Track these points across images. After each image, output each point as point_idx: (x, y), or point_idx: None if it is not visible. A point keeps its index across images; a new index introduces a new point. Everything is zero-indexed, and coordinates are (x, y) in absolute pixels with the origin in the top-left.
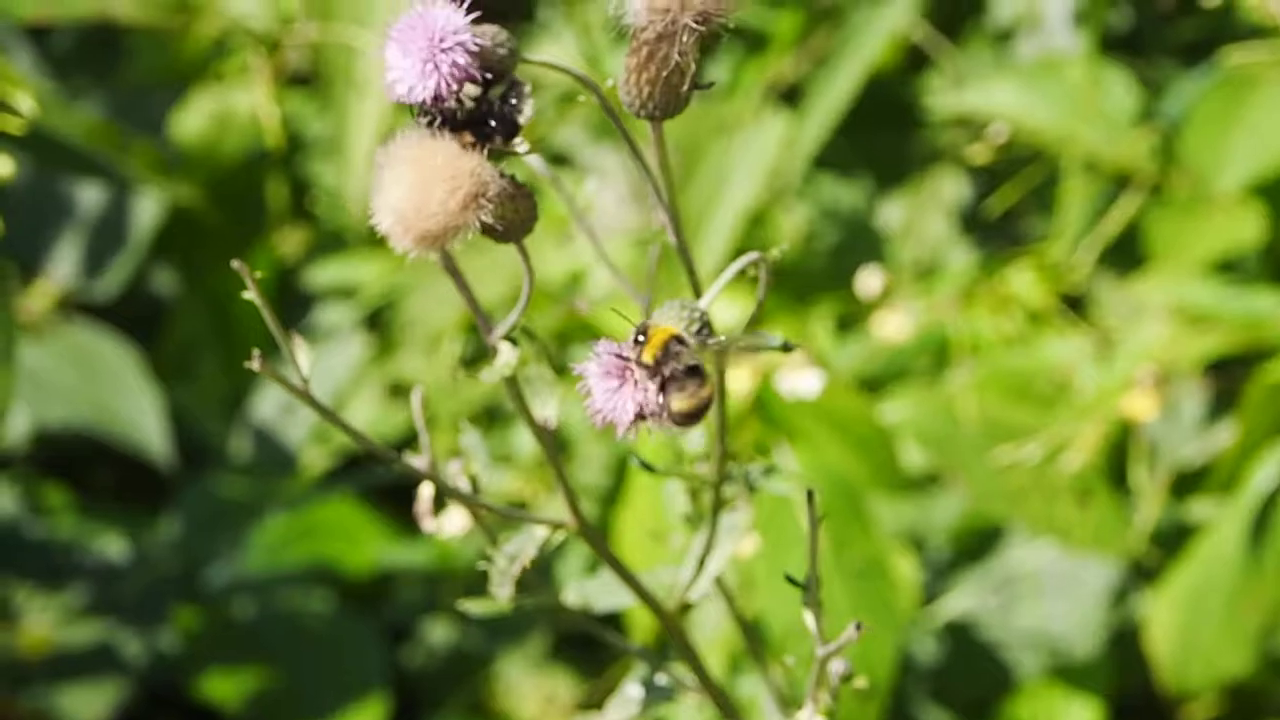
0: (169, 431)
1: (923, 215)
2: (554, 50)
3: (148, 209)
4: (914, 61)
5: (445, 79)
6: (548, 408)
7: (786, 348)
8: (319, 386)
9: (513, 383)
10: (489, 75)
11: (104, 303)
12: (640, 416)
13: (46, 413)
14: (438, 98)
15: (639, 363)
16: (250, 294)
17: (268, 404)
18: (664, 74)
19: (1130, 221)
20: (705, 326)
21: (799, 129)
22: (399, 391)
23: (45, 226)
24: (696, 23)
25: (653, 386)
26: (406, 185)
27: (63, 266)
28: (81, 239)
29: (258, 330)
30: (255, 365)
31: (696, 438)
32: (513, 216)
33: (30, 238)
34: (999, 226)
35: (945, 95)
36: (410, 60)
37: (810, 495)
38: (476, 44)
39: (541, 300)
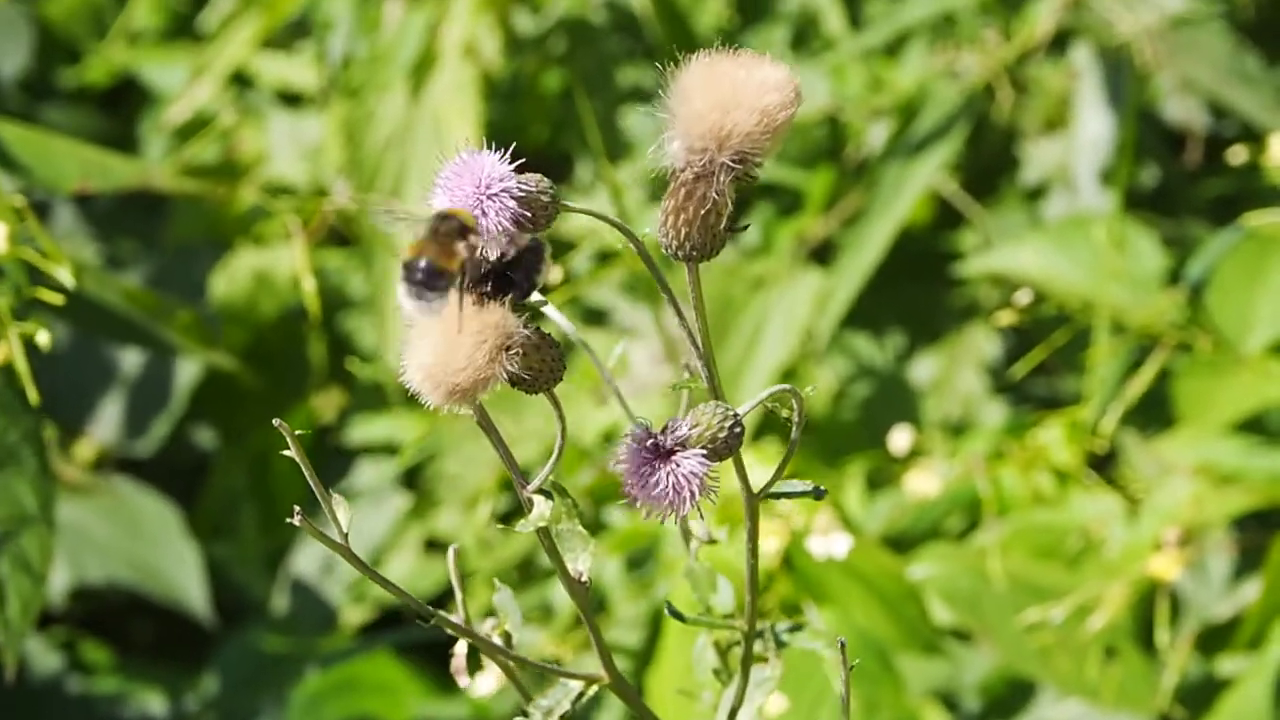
0: (209, 587)
1: (955, 370)
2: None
3: (188, 368)
4: (945, 215)
5: (493, 224)
6: (580, 561)
7: (818, 494)
8: (357, 543)
9: (547, 536)
10: (532, 221)
11: (145, 457)
12: (671, 496)
13: (88, 569)
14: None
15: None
16: (290, 452)
17: (306, 560)
18: (701, 213)
19: (1158, 380)
20: (740, 428)
21: (831, 286)
22: (436, 547)
23: (88, 386)
24: (733, 162)
25: (684, 464)
26: (433, 342)
27: (105, 425)
28: (123, 398)
29: (296, 487)
30: (296, 520)
31: (725, 595)
32: (540, 366)
33: (74, 397)
34: (1030, 382)
35: (974, 257)
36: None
37: (843, 645)
38: (521, 190)
39: (576, 459)
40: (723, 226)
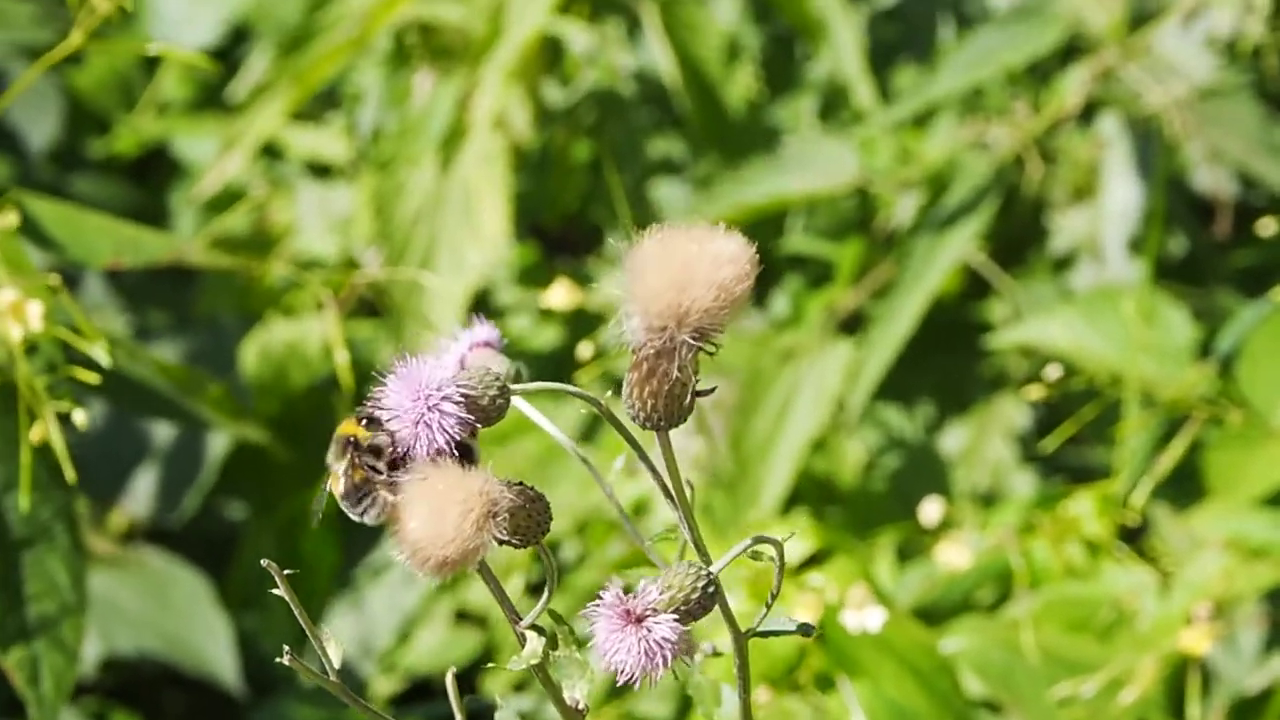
0: (239, 658)
1: (984, 440)
2: (612, 284)
3: (218, 440)
4: (974, 285)
5: (439, 436)
6: (578, 690)
7: (806, 632)
8: (388, 617)
9: (540, 669)
10: (481, 421)
11: (175, 528)
12: (644, 661)
13: (118, 640)
14: (439, 450)
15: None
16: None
17: (336, 631)
18: (665, 388)
19: (1188, 452)
20: (714, 588)
21: (862, 359)
22: (466, 617)
23: (121, 459)
24: (693, 339)
25: (655, 630)
26: (420, 516)
27: (138, 499)
28: (156, 471)
29: (327, 558)
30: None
31: (730, 706)
32: (526, 524)
33: (107, 470)
34: (1060, 452)
35: (1003, 329)
36: (402, 423)
37: None
38: (463, 394)
39: (605, 531)
40: (687, 399)
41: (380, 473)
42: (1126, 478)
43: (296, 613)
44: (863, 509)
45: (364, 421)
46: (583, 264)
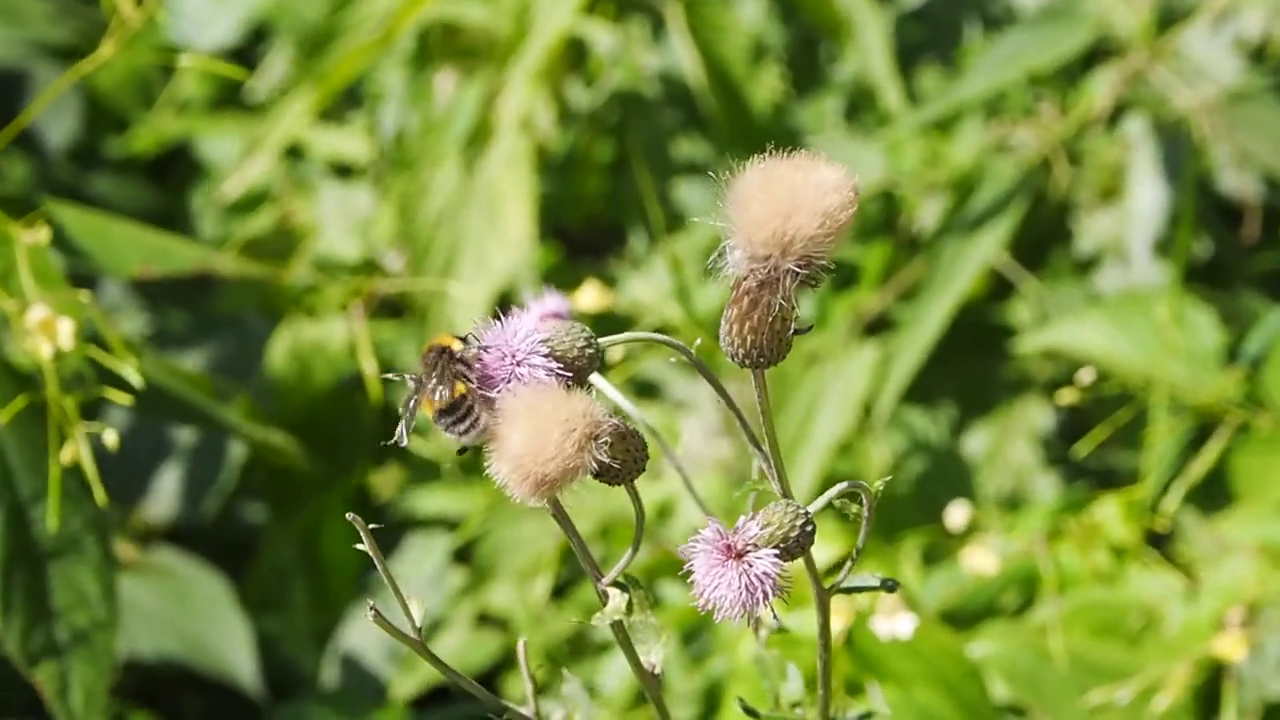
0: (258, 661)
1: (1007, 443)
2: (643, 285)
3: (239, 445)
4: (997, 286)
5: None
6: (653, 654)
7: (889, 588)
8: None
9: (619, 628)
10: (570, 373)
11: (195, 530)
12: (744, 597)
13: (138, 642)
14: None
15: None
16: (363, 546)
17: (357, 633)
18: (768, 320)
19: (1217, 458)
20: (812, 526)
21: (887, 360)
22: (487, 620)
23: (143, 462)
24: (798, 267)
25: (757, 564)
26: (523, 432)
27: (159, 501)
28: (177, 473)
29: (347, 561)
30: (370, 617)
31: (795, 684)
32: (625, 456)
33: (128, 472)
34: (1083, 457)
35: (1031, 333)
36: (492, 380)
37: None
38: (548, 350)
39: (628, 534)
40: (789, 332)
41: (473, 381)
42: (1155, 482)
43: (378, 564)
44: (887, 512)
45: (457, 338)
46: (605, 265)
